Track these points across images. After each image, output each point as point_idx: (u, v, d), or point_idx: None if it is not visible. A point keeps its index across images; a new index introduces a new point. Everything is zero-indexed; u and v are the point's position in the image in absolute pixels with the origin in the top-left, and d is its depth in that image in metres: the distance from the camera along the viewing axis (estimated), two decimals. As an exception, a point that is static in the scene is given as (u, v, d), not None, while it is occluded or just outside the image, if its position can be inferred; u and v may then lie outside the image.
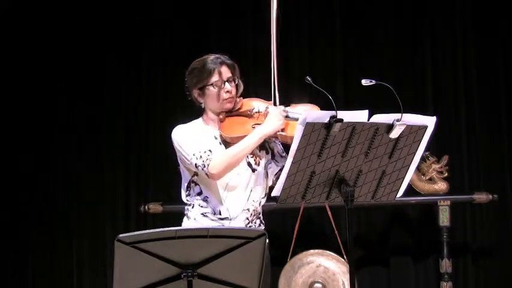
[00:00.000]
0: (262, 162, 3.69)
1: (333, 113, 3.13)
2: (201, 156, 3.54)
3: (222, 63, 3.66)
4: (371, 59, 6.21)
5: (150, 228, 3.52)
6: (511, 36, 6.17)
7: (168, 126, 3.70)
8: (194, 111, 3.73)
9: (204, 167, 3.52)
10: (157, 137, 6.13)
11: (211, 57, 3.69)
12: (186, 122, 3.73)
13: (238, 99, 3.69)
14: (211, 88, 3.64)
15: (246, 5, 6.27)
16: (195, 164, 3.56)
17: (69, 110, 6.33)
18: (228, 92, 3.64)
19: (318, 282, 5.72)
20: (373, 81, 3.33)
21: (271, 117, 3.54)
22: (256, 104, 3.67)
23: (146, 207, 5.88)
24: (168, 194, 5.95)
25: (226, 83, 3.64)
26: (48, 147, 6.33)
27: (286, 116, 3.55)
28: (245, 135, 3.57)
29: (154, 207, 5.88)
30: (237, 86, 3.68)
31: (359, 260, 6.02)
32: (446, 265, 5.71)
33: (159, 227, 3.03)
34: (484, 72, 6.17)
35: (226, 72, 3.65)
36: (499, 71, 6.17)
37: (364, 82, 3.34)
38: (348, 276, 5.34)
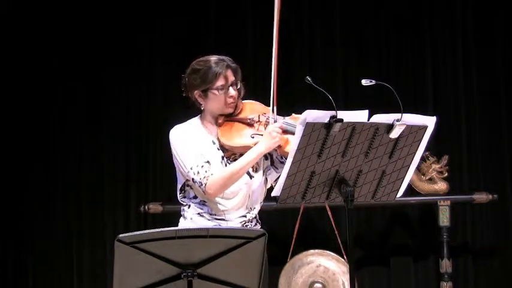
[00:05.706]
0: (261, 168, 3.63)
1: (333, 113, 3.12)
2: (198, 172, 3.49)
3: (227, 66, 3.57)
4: (371, 60, 6.21)
5: (150, 228, 3.52)
6: (510, 36, 6.17)
7: (168, 126, 3.68)
8: (194, 111, 3.70)
9: (202, 185, 3.48)
10: (157, 137, 6.12)
11: (215, 58, 3.59)
12: (184, 122, 3.67)
13: (238, 102, 3.62)
14: (215, 92, 3.55)
15: (247, 4, 6.27)
16: (192, 179, 3.51)
17: (68, 110, 6.32)
18: (231, 97, 3.57)
19: (318, 282, 5.72)
20: (373, 81, 3.33)
21: (266, 135, 3.47)
22: (257, 111, 3.61)
23: (146, 207, 5.88)
24: (168, 194, 5.94)
25: (230, 87, 3.57)
26: (48, 147, 6.32)
27: (284, 130, 3.48)
28: (244, 146, 3.52)
29: (154, 207, 5.88)
30: (239, 90, 3.60)
31: (359, 260, 6.01)
32: (446, 265, 5.71)
33: (159, 227, 3.03)
34: (484, 72, 6.17)
35: (230, 76, 3.58)
36: (499, 71, 6.17)
37: (364, 82, 3.33)
38: (348, 276, 5.33)
